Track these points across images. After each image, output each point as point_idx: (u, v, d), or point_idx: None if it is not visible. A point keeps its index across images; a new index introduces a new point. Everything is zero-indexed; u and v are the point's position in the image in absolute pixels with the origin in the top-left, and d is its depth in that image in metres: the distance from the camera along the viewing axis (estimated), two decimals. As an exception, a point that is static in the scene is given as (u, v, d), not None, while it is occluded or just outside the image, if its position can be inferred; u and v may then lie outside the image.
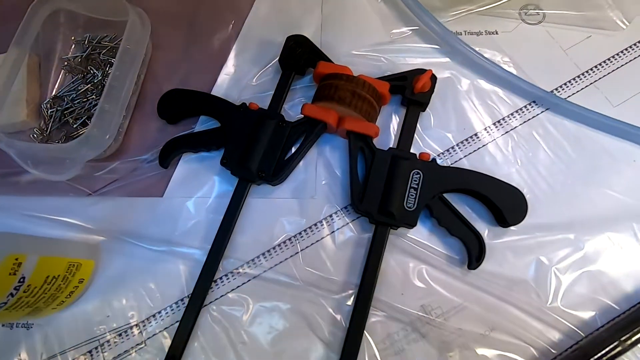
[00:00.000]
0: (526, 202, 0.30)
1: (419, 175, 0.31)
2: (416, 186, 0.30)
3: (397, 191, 0.30)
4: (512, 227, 0.31)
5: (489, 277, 0.30)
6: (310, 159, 0.34)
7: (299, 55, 0.34)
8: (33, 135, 0.35)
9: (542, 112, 0.34)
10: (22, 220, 0.33)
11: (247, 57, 0.38)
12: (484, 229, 0.31)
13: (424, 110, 0.34)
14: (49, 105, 0.36)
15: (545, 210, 0.31)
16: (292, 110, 0.36)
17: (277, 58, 0.36)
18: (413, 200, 0.30)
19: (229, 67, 0.37)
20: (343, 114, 0.32)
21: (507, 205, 0.30)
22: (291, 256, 0.31)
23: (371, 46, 0.37)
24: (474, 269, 0.29)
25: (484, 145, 0.34)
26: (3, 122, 0.34)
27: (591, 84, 0.35)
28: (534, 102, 0.35)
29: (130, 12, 0.34)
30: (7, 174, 0.35)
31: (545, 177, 0.32)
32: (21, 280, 0.22)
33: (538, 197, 0.32)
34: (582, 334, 0.28)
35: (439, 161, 0.32)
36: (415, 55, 0.37)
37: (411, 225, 0.30)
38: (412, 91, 0.33)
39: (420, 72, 0.33)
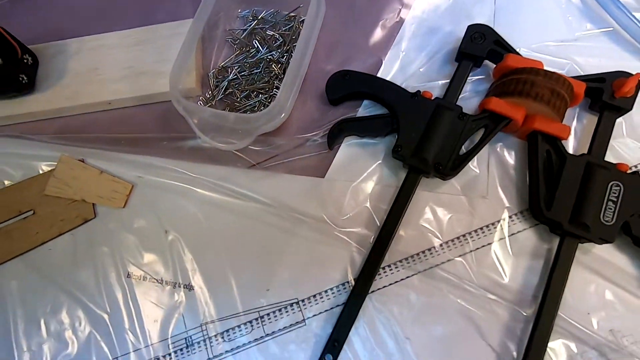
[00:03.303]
0: None
1: (618, 188, 0.28)
2: (615, 199, 0.28)
3: (594, 202, 0.27)
4: None
5: (693, 310, 0.27)
6: (482, 155, 0.32)
7: (482, 47, 0.32)
8: (199, 103, 0.36)
9: None
10: (184, 182, 0.34)
11: (414, 44, 0.36)
12: (687, 256, 0.28)
13: (621, 116, 0.31)
14: (214, 76, 0.37)
15: None
16: (460, 103, 0.34)
17: (447, 49, 0.35)
18: (611, 214, 0.27)
19: (394, 52, 0.36)
20: (532, 112, 0.30)
21: None
22: (460, 255, 0.30)
23: (551, 43, 0.34)
24: (680, 299, 0.26)
25: (687, 163, 0.30)
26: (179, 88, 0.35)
27: None
28: None
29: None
30: (171, 138, 0.36)
31: None
32: None
33: None
34: None
35: (634, 175, 0.29)
36: (605, 57, 0.33)
37: (608, 241, 0.27)
38: (611, 95, 0.30)
39: (623, 74, 0.30)
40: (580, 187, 0.28)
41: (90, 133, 0.37)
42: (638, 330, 0.27)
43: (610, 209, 0.27)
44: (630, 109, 0.30)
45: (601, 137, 0.30)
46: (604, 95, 0.30)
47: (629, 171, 0.28)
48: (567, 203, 0.28)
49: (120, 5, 0.42)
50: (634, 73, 0.29)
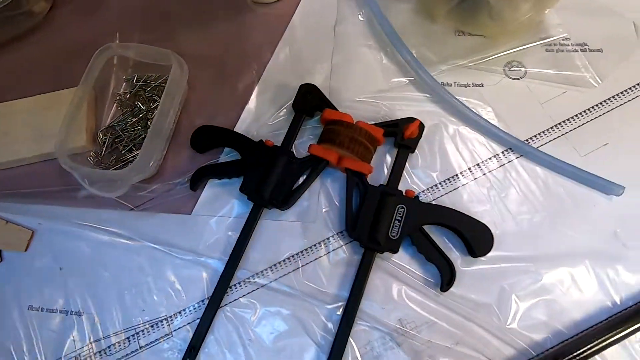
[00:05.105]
0: (492, 237, 0.35)
1: (403, 210, 0.36)
2: (400, 219, 0.36)
3: (384, 222, 0.36)
4: (480, 257, 0.36)
5: (457, 299, 0.35)
6: (314, 189, 0.40)
7: (309, 101, 0.41)
8: (89, 158, 0.43)
9: (516, 158, 0.40)
10: (76, 227, 0.41)
11: (266, 99, 0.44)
12: (457, 258, 0.37)
13: (412, 153, 0.40)
14: (102, 134, 0.44)
15: (511, 244, 0.36)
16: (301, 147, 0.42)
17: (291, 101, 0.43)
18: (397, 230, 0.36)
19: (251, 106, 0.44)
20: (343, 155, 0.38)
21: (475, 239, 0.35)
22: (293, 270, 0.38)
23: (372, 93, 0.43)
24: (445, 291, 0.35)
25: (463, 185, 0.39)
26: (68, 147, 0.42)
27: (562, 135, 0.40)
28: (510, 149, 0.40)
29: (172, 59, 0.41)
30: (65, 190, 0.43)
31: (514, 216, 0.38)
32: None
33: (506, 232, 0.37)
34: (533, 352, 0.33)
35: (423, 197, 0.38)
36: (409, 103, 0.43)
37: (394, 251, 0.36)
38: (402, 137, 0.39)
39: (410, 120, 0.39)
40: (376, 211, 0.37)
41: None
42: (417, 318, 0.35)
43: (396, 226, 0.36)
44: (415, 147, 0.39)
45: (396, 170, 0.39)
46: (397, 137, 0.39)
47: (413, 196, 0.37)
48: (367, 224, 0.36)
49: (31, 74, 0.49)
50: (415, 119, 0.39)
